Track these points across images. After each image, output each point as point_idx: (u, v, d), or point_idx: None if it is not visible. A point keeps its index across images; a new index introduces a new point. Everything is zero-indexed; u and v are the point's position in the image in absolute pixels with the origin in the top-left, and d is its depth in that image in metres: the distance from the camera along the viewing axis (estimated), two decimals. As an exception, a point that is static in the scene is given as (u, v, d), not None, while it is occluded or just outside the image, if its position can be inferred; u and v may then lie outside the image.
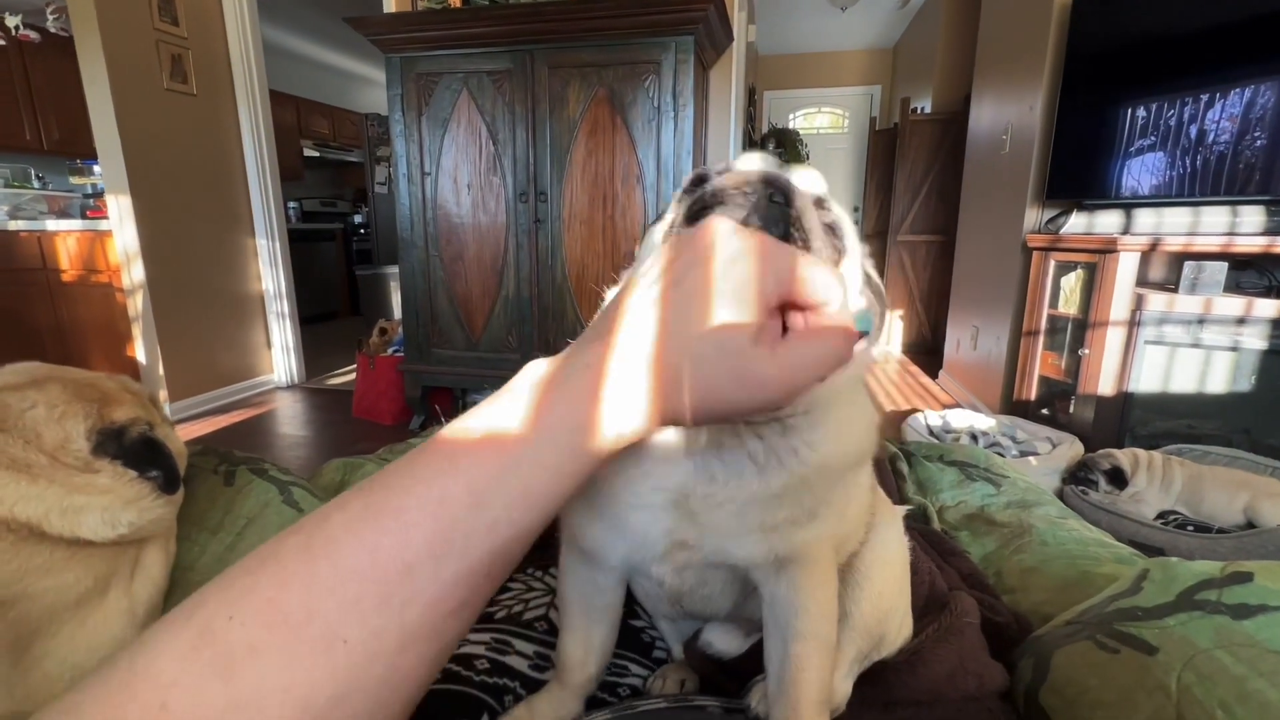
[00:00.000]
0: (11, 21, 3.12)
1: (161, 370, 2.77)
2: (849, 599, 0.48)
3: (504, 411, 0.26)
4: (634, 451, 0.29)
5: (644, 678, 0.55)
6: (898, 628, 0.52)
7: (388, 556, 0.22)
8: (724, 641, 0.50)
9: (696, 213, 0.35)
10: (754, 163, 0.38)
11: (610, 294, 0.46)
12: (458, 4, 2.36)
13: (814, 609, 0.40)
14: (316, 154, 5.57)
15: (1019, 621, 0.64)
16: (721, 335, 0.25)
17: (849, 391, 0.40)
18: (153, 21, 2.64)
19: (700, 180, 0.39)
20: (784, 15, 4.59)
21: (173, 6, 2.72)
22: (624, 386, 0.25)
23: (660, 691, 0.51)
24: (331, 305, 5.70)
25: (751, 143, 4.59)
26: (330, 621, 0.22)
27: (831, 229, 0.37)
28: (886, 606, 0.49)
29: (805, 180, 0.38)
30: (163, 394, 2.78)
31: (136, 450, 0.55)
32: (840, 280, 0.27)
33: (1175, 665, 0.44)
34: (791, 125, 5.64)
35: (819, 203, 0.37)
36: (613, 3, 2.09)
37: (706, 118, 2.66)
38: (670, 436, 0.35)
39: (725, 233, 0.27)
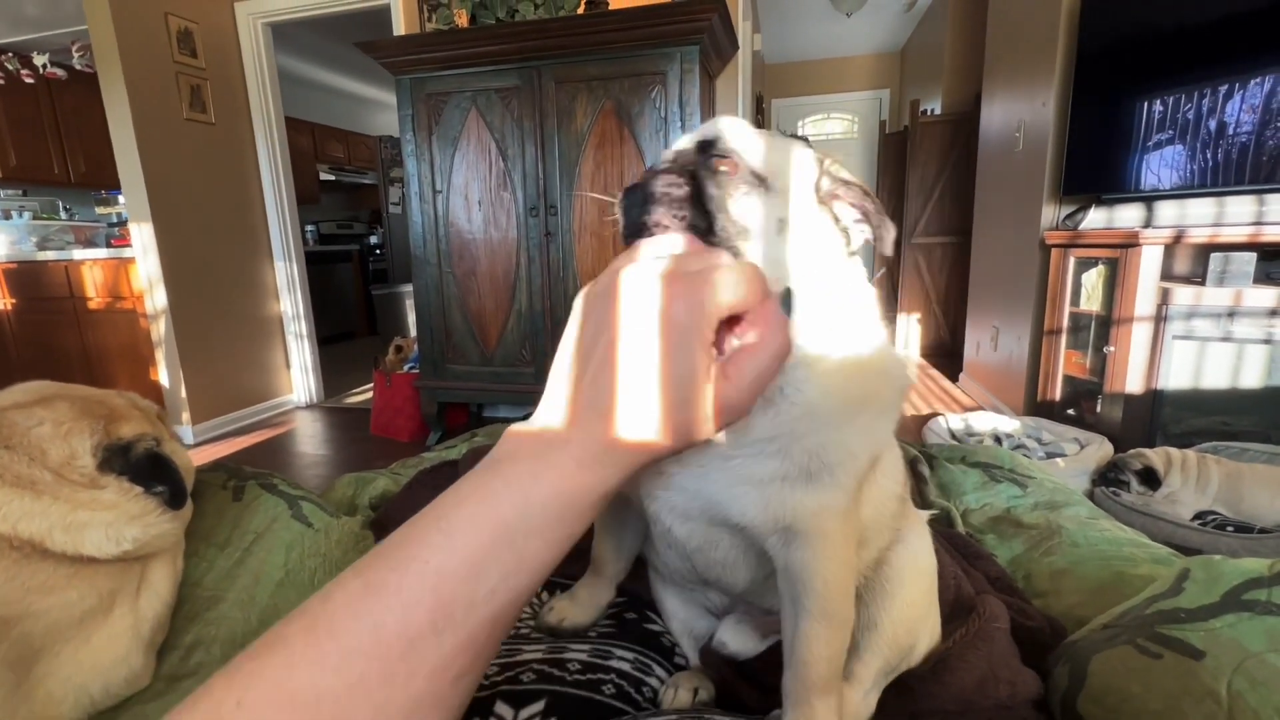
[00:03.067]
0: (39, 60, 3.24)
1: (184, 393, 2.82)
2: (879, 608, 0.46)
3: (492, 481, 0.26)
4: None
5: (665, 679, 0.53)
6: (929, 639, 0.50)
7: (391, 634, 0.23)
8: (738, 642, 0.48)
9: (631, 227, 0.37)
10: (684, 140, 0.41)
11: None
12: (465, 24, 2.39)
13: (820, 586, 0.39)
14: (332, 177, 5.68)
15: (1052, 626, 0.61)
16: (684, 390, 0.27)
17: (840, 326, 0.38)
18: (172, 54, 2.73)
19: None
20: (789, 23, 4.60)
21: (191, 39, 2.80)
22: (599, 461, 0.27)
23: (672, 703, 0.49)
24: (349, 325, 5.78)
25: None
26: (338, 700, 0.22)
27: (753, 173, 0.38)
28: (918, 616, 0.47)
29: (705, 132, 0.40)
30: (185, 416, 2.83)
31: (142, 466, 0.55)
32: (750, 275, 0.29)
33: (1225, 670, 0.41)
34: (801, 132, 5.63)
35: (704, 147, 0.38)
36: (617, 16, 2.10)
37: (714, 126, 2.66)
38: None
39: (639, 293, 0.28)
